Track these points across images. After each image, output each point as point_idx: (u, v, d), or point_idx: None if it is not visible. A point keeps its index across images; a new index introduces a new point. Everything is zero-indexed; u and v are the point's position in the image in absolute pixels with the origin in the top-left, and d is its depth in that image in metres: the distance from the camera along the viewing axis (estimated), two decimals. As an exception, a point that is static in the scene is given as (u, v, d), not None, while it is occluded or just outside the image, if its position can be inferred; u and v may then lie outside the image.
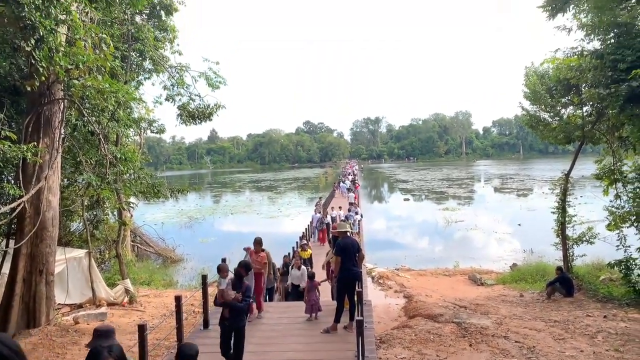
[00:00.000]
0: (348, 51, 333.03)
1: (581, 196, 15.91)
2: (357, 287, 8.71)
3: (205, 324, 9.31)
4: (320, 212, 26.59)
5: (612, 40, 11.76)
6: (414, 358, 9.40)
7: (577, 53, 12.66)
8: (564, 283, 14.06)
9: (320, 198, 38.91)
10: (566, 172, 15.46)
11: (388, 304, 15.75)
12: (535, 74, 15.35)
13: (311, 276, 10.06)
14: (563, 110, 15.37)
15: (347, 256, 8.88)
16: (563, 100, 15.04)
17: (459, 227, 31.99)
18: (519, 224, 31.56)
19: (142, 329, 6.65)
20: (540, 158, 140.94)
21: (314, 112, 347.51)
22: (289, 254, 19.00)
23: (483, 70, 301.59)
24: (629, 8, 12.64)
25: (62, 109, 10.94)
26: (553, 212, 15.76)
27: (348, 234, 9.31)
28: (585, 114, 14.96)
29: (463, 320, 12.18)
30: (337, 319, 8.91)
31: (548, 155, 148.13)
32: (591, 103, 14.63)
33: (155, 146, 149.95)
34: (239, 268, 7.23)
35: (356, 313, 7.60)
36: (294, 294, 12.99)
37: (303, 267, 13.05)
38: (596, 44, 12.61)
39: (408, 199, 53.19)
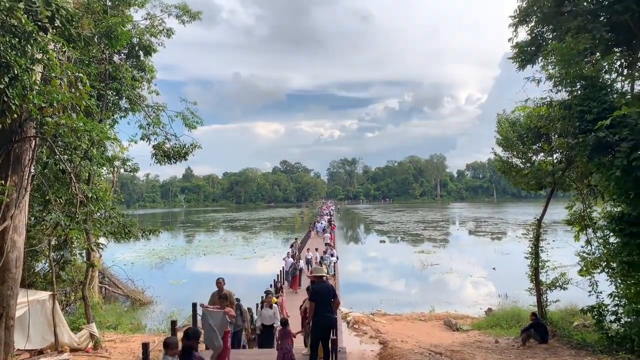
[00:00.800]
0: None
1: (554, 240, 16.14)
2: (331, 335, 8.51)
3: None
4: (293, 256, 25.32)
5: (579, 92, 12.24)
6: (390, 409, 9.14)
7: (546, 103, 13.13)
8: (538, 329, 14.03)
9: (296, 239, 38.54)
10: (538, 218, 15.71)
11: (363, 350, 15.43)
12: (507, 121, 15.80)
13: (284, 322, 9.78)
14: (534, 157, 15.77)
15: (322, 302, 8.71)
16: (534, 147, 15.45)
17: (435, 270, 31.98)
18: (494, 268, 31.75)
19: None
20: (513, 201, 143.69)
21: (291, 152, 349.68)
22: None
23: (460, 114, 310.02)
24: (593, 62, 13.26)
25: (33, 147, 10.67)
26: (526, 257, 15.88)
27: (324, 278, 9.16)
28: (555, 161, 15.35)
29: (439, 367, 12.00)
30: (310, 368, 8.65)
31: (521, 199, 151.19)
32: (561, 151, 15.08)
33: (128, 183, 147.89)
34: (189, 341, 6.31)
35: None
36: (265, 335, 12.33)
37: (275, 305, 12.56)
38: (564, 95, 13.10)
39: (384, 241, 53.22)
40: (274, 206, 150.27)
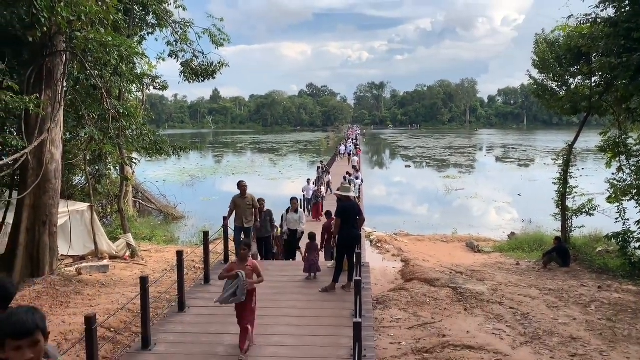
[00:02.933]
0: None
1: (582, 168, 15.87)
2: (356, 249, 8.81)
3: (206, 279, 9.47)
4: (317, 181, 24.29)
5: (627, 8, 11.47)
6: (410, 319, 9.62)
7: (590, 20, 12.37)
8: (560, 253, 14.21)
9: (321, 162, 38.89)
10: (570, 143, 15.38)
11: (385, 267, 15.95)
12: (545, 41, 15.06)
13: (312, 237, 10.14)
14: (571, 79, 15.16)
15: (348, 219, 8.95)
16: (572, 69, 14.81)
17: (459, 195, 32.10)
18: (519, 194, 31.63)
19: (144, 281, 6.75)
20: (543, 129, 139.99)
21: (317, 75, 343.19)
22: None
23: (495, 36, 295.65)
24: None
25: (64, 61, 10.80)
26: (554, 183, 15.78)
27: (351, 198, 9.34)
28: (593, 84, 14.76)
29: (459, 285, 12.38)
30: (335, 279, 9.05)
31: (552, 126, 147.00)
32: (600, 73, 14.42)
33: (157, 104, 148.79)
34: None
35: (355, 274, 7.70)
36: (290, 240, 12.33)
37: (300, 210, 12.51)
38: (610, 12, 12.31)
39: (409, 166, 53.23)
40: (300, 130, 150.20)
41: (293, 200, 12.61)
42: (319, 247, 10.35)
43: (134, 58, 12.50)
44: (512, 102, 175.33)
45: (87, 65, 10.86)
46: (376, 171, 51.99)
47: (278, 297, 8.75)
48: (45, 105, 10.25)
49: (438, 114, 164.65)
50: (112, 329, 7.95)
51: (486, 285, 12.31)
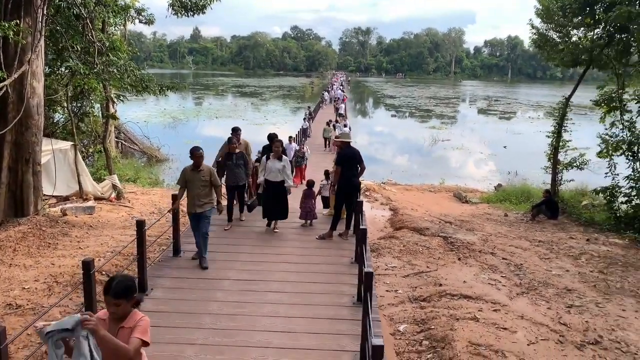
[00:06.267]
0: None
1: (573, 123, 15.77)
2: (357, 197, 8.63)
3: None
4: (299, 136, 22.43)
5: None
6: (405, 267, 9.62)
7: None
8: (549, 206, 14.32)
9: (309, 107, 38.23)
10: (567, 97, 15.18)
11: (374, 215, 15.92)
12: (551, -11, 14.51)
13: (310, 184, 9.90)
14: (573, 31, 14.76)
15: (349, 166, 8.71)
16: (575, 20, 14.37)
17: (445, 146, 32.08)
18: (504, 146, 31.75)
19: (140, 224, 6.48)
20: (527, 82, 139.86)
21: (302, 18, 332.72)
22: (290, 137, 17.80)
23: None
24: None
25: (44, -14, 9.94)
26: (547, 136, 15.70)
27: (350, 144, 9.04)
28: (595, 37, 14.43)
29: (449, 234, 12.43)
30: (333, 227, 8.91)
31: (535, 80, 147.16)
32: (604, 25, 14.09)
33: (135, 41, 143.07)
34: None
35: (360, 222, 7.53)
36: (271, 195, 9.05)
37: (285, 157, 9.19)
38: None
39: (395, 115, 52.80)
40: (283, 74, 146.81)
41: (276, 141, 9.30)
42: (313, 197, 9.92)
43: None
44: (497, 53, 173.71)
45: (69, -8, 10.03)
46: (360, 120, 51.48)
47: (275, 243, 8.61)
48: (25, 34, 9.50)
49: (423, 63, 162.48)
50: (104, 272, 7.71)
51: (476, 236, 12.39)
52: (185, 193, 7.51)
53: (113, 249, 8.83)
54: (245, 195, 10.07)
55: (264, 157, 9.26)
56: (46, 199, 11.79)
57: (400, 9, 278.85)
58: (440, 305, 7.64)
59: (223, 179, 9.33)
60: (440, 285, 8.45)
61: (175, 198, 7.78)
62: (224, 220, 9.50)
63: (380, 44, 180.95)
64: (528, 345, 6.18)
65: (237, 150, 9.42)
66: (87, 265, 5.08)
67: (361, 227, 6.70)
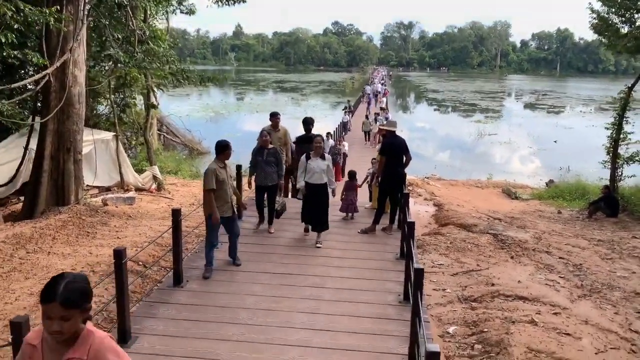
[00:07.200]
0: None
1: (636, 114, 14.69)
2: (403, 189, 8.12)
3: (239, 215, 8.91)
4: (339, 131, 21.51)
5: None
6: (453, 265, 9.04)
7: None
8: (609, 202, 13.34)
9: (348, 101, 37.69)
10: (630, 86, 14.10)
11: (417, 210, 15.30)
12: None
13: (352, 175, 9.43)
14: (639, 14, 13.65)
15: (394, 156, 8.20)
16: (640, 2, 13.28)
17: (492, 140, 30.91)
18: (555, 141, 30.28)
19: (176, 213, 6.20)
20: (577, 76, 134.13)
21: (344, 10, 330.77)
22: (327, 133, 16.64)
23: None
24: None
25: (86, -26, 9.89)
26: (607, 128, 14.65)
27: (396, 132, 8.53)
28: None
29: (499, 232, 11.71)
30: (376, 220, 8.43)
31: (586, 74, 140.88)
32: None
33: (179, 38, 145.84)
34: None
35: (406, 215, 7.03)
36: (312, 201, 7.72)
37: (328, 155, 8.03)
38: None
39: (438, 109, 51.53)
40: (324, 70, 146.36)
41: (317, 138, 8.06)
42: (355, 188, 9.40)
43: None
44: (546, 47, 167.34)
45: (110, -20, 9.94)
46: (401, 115, 50.46)
47: (313, 236, 8.16)
48: (67, 22, 9.46)
49: (468, 57, 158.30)
50: (141, 262, 7.53)
51: (528, 233, 11.62)
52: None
53: (151, 239, 8.66)
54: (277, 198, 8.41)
55: (304, 157, 7.84)
56: (88, 189, 11.83)
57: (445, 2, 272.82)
58: (493, 306, 7.05)
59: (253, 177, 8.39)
60: (493, 284, 7.84)
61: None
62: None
63: (422, 38, 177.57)
64: (596, 354, 5.54)
65: (270, 146, 8.18)
66: (119, 254, 4.82)
67: (409, 220, 6.19)
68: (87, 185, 11.90)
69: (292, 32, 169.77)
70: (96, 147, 12.16)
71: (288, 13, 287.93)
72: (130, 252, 7.34)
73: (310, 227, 8.03)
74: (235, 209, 6.74)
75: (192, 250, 7.80)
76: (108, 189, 12.92)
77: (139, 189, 13.37)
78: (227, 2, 13.08)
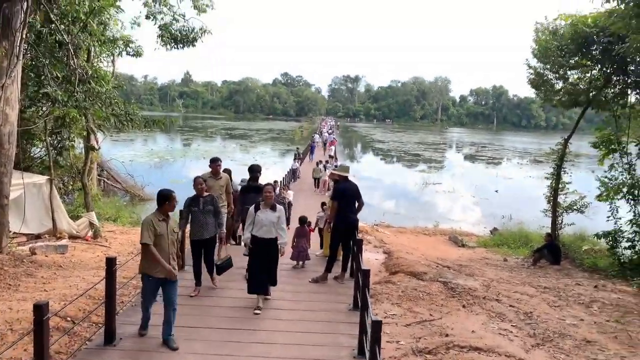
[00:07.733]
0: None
1: (572, 165, 15.42)
2: (356, 235, 7.89)
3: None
4: (286, 184, 20.94)
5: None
6: (406, 315, 8.76)
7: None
8: (552, 250, 13.68)
9: (297, 148, 37.89)
10: (565, 138, 14.85)
11: (368, 258, 15.04)
12: (547, 30, 14.40)
13: (303, 220, 9.15)
14: (571, 71, 14.57)
15: (346, 202, 8.02)
16: (572, 60, 14.19)
17: (437, 189, 31.68)
18: (496, 190, 31.44)
19: (110, 262, 5.65)
20: (512, 130, 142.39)
21: (292, 64, 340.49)
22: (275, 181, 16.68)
23: (467, 36, 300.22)
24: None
25: (25, 9, 9.41)
26: (547, 178, 15.25)
27: (349, 178, 8.38)
28: (593, 77, 14.26)
29: (449, 280, 11.63)
30: (328, 269, 8.11)
31: (520, 128, 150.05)
32: (599, 67, 13.94)
33: (126, 84, 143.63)
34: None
35: (360, 263, 6.76)
36: (258, 258, 6.85)
37: (279, 207, 7.10)
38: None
39: (384, 159, 52.69)
40: (273, 119, 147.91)
41: (267, 187, 7.20)
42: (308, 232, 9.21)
43: (107, 16, 11.17)
44: (483, 102, 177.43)
45: (52, 17, 9.51)
46: (349, 163, 51.17)
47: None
48: (1, 59, 8.89)
49: (411, 110, 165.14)
50: (69, 318, 6.78)
51: (477, 281, 11.61)
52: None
53: (83, 290, 7.89)
54: (216, 252, 7.57)
55: (252, 207, 7.01)
56: (14, 237, 10.84)
57: (388, 59, 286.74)
58: (449, 358, 6.79)
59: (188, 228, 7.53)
60: (447, 335, 7.60)
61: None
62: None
63: (368, 91, 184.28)
64: (556, 407, 5.34)
65: (206, 193, 7.41)
66: (40, 309, 4.25)
67: (363, 268, 5.92)
68: (14, 233, 10.93)
69: (241, 80, 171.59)
70: (27, 191, 11.28)
71: (236, 64, 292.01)
72: (56, 306, 6.63)
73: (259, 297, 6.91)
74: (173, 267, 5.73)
75: (128, 303, 7.14)
76: (38, 237, 11.92)
77: (73, 237, 12.44)
78: (175, 46, 12.84)
